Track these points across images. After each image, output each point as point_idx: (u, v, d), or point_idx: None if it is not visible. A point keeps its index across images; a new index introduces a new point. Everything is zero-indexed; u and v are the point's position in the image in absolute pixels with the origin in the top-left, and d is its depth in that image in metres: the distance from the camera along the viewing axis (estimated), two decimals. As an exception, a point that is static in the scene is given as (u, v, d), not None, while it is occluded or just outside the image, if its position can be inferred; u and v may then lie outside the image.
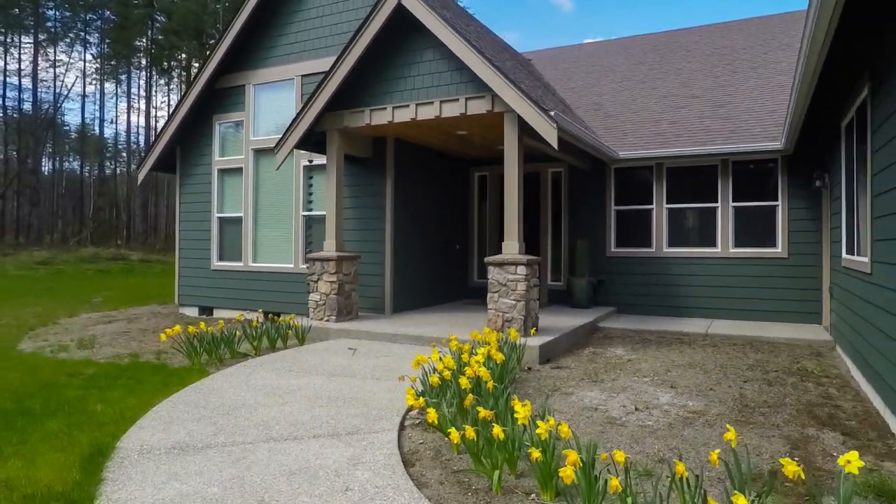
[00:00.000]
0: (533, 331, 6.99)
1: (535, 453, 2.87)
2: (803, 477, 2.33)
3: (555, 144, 6.81)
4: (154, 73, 47.20)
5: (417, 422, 4.46)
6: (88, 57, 46.24)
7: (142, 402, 4.80)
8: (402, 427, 4.32)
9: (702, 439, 4.12)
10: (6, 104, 41.81)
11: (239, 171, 10.60)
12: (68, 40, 44.30)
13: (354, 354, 6.73)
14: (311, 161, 9.74)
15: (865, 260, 5.19)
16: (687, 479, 2.68)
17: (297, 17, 9.88)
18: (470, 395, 3.96)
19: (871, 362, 5.01)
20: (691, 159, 9.72)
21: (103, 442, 3.84)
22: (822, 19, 3.80)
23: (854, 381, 5.86)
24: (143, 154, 48.05)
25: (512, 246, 7.23)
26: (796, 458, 3.79)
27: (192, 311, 11.05)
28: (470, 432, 3.23)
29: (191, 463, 3.56)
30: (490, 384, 4.13)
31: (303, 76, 9.84)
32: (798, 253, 9.09)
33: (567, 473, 2.47)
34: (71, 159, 50.70)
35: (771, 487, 2.77)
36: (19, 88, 42.65)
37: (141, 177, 11.42)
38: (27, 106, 42.82)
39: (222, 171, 10.80)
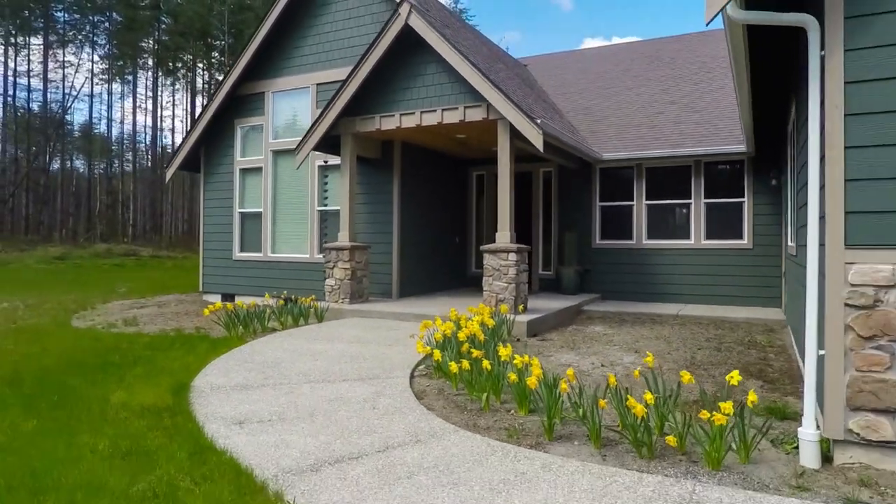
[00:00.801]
0: (521, 308, 8.07)
1: (513, 376, 3.96)
2: (694, 381, 3.41)
3: (540, 148, 7.89)
4: (160, 73, 48.30)
5: (424, 373, 5.55)
6: (96, 58, 47.35)
7: (199, 360, 5.89)
8: (412, 377, 5.41)
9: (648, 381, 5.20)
10: (16, 104, 42.93)
11: (259, 170, 11.68)
12: (77, 42, 45.39)
13: (371, 329, 7.81)
14: (325, 161, 10.83)
15: (793, 244, 6.28)
16: (619, 391, 3.77)
17: (313, 31, 10.96)
18: (466, 344, 5.05)
19: (797, 327, 6.10)
20: (668, 160, 10.80)
21: (181, 382, 4.94)
22: (737, 52, 4.86)
23: (792, 350, 6.94)
24: (149, 152, 49.32)
25: (504, 236, 8.31)
26: (719, 395, 4.88)
27: (215, 298, 12.13)
28: (465, 364, 4.32)
29: (252, 394, 4.65)
30: (482, 338, 5.22)
31: (318, 84, 10.92)
32: (761, 244, 10.19)
33: (531, 381, 3.55)
34: (74, 158, 51.77)
35: (677, 394, 3.86)
36: (28, 89, 43.76)
37: (168, 175, 12.50)
38: (36, 106, 43.98)
39: (243, 170, 11.89)
